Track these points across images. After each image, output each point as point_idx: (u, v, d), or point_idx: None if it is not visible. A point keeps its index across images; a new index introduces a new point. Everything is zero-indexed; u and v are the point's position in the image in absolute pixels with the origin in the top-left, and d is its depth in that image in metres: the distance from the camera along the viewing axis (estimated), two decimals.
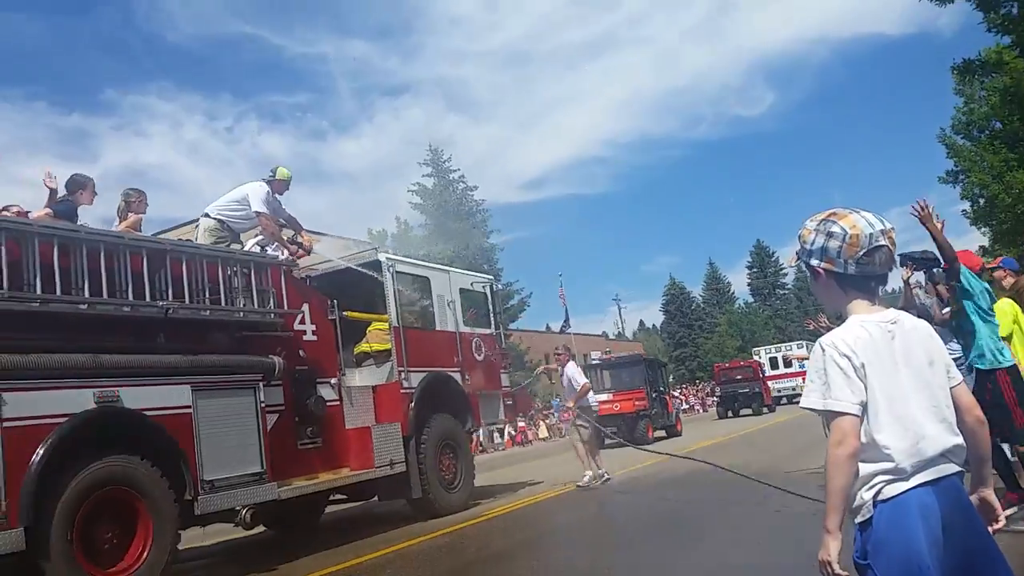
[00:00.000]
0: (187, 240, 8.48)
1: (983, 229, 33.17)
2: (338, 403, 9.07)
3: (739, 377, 34.23)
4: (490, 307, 12.30)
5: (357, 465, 9.00)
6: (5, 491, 5.53)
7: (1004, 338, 6.14)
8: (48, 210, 7.03)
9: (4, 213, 6.66)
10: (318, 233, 12.42)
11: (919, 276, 7.86)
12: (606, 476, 11.60)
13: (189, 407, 6.93)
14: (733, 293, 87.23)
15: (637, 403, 22.85)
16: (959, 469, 2.15)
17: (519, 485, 12.97)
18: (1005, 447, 6.26)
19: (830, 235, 2.22)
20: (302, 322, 8.81)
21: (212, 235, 8.90)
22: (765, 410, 32.58)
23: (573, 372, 11.95)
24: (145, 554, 6.39)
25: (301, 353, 8.63)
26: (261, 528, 10.18)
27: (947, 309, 7.41)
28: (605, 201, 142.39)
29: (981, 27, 21.84)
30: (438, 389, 10.37)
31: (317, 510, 10.73)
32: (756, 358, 41.58)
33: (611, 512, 9.84)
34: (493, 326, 12.23)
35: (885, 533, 2.07)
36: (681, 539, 7.23)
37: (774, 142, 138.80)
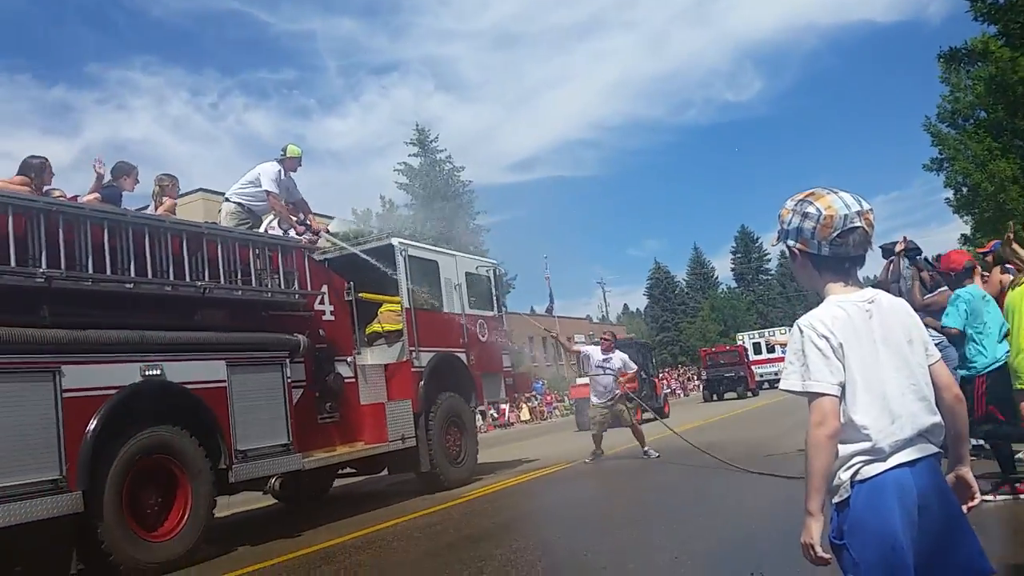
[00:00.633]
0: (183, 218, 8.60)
1: (965, 217, 33.85)
2: (353, 380, 9.53)
3: (724, 361, 35.17)
4: (493, 291, 12.76)
5: (371, 439, 9.48)
6: (65, 457, 5.97)
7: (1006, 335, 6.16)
8: (96, 195, 7.43)
9: (53, 195, 7.04)
10: (327, 216, 12.85)
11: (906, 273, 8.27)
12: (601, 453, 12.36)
13: (224, 381, 7.39)
14: (717, 278, 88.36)
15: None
16: (937, 450, 2.18)
17: (516, 463, 13.51)
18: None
19: (805, 215, 2.22)
20: (322, 302, 9.25)
21: (234, 218, 9.31)
22: (749, 394, 33.43)
23: (623, 356, 12.90)
24: (185, 518, 6.88)
25: (321, 332, 9.07)
26: (272, 500, 10.70)
27: (930, 295, 7.87)
28: (593, 184, 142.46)
29: (968, 16, 22.29)
30: (445, 368, 10.87)
31: (328, 483, 11.21)
32: (739, 343, 42.44)
33: (601, 491, 10.14)
34: (496, 309, 12.70)
35: (862, 513, 2.09)
36: (668, 520, 7.25)
37: (763, 128, 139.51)
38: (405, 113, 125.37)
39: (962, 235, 35.29)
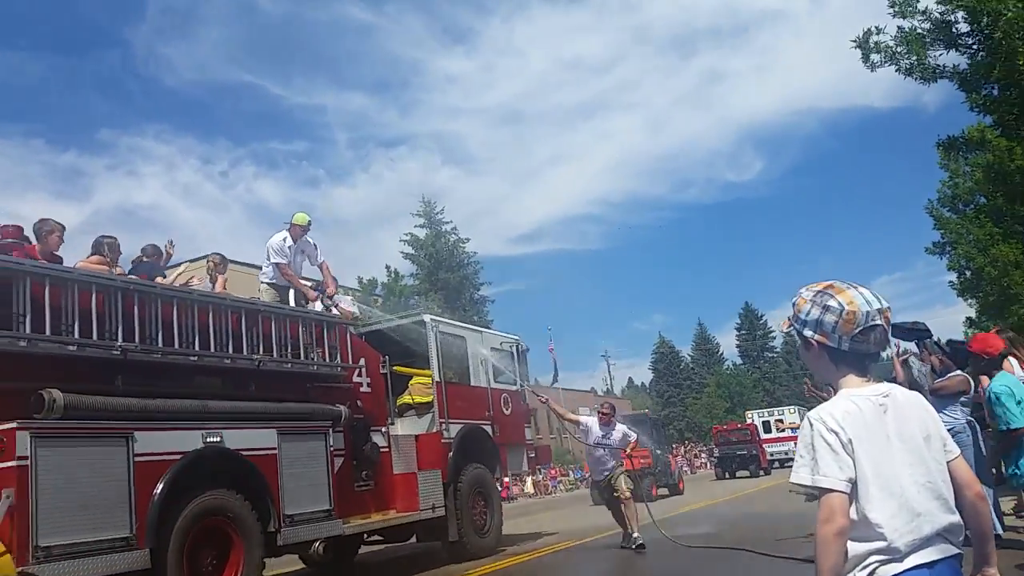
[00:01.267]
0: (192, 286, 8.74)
1: (970, 300, 34.06)
2: (387, 450, 9.98)
3: (736, 439, 35.41)
4: (515, 365, 13.26)
5: (403, 507, 9.88)
6: (135, 516, 6.41)
7: None
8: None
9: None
10: (349, 288, 13.39)
11: (909, 345, 8.07)
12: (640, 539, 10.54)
13: (275, 448, 7.86)
14: (722, 354, 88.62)
15: (642, 461, 23.63)
16: (958, 551, 2.10)
17: (536, 535, 13.77)
18: None
19: (826, 308, 2.18)
20: (359, 375, 9.78)
21: (268, 296, 9.96)
22: (761, 472, 33.52)
23: (623, 428, 11.36)
24: None
25: (359, 403, 9.57)
26: (300, 564, 11.01)
27: (940, 379, 8.05)
28: (597, 258, 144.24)
29: (964, 105, 23.15)
30: (472, 440, 11.32)
31: (356, 549, 11.52)
32: (749, 420, 42.57)
33: (624, 569, 10.01)
34: (518, 383, 13.18)
35: None
36: None
37: (764, 207, 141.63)
38: (412, 185, 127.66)
39: (967, 318, 35.62)
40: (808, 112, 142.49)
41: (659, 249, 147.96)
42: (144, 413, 6.74)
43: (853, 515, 2.04)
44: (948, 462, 2.16)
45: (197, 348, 7.43)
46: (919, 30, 20.54)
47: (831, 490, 2.04)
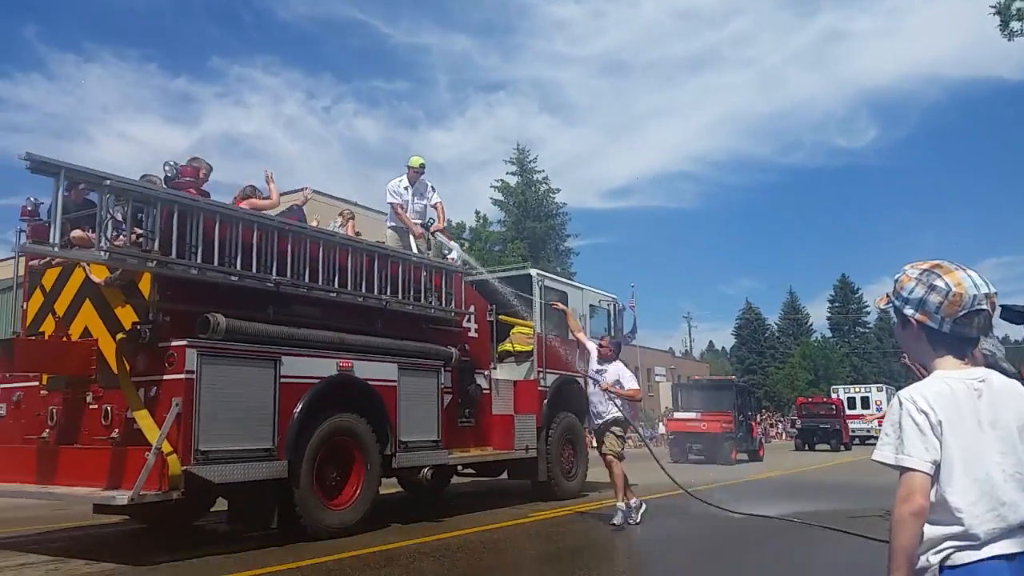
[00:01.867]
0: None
1: None
2: (488, 392, 10.77)
3: (820, 413, 35.45)
4: (611, 322, 13.83)
5: (499, 446, 10.70)
6: (277, 431, 7.34)
7: None
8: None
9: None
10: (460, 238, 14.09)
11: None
12: (643, 506, 9.62)
13: (395, 381, 8.70)
14: (811, 325, 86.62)
15: (724, 425, 24.11)
16: None
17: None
18: None
19: (932, 288, 2.12)
20: (469, 320, 10.55)
21: (392, 241, 10.75)
22: (842, 448, 33.53)
23: (621, 369, 9.59)
24: (358, 492, 8.21)
25: (466, 347, 10.35)
26: (397, 488, 12.01)
27: None
28: (689, 217, 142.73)
29: None
30: (566, 390, 12.02)
31: (448, 479, 12.46)
32: (835, 395, 42.26)
33: (683, 530, 9.75)
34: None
35: None
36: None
37: (873, 177, 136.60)
38: (508, 131, 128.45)
39: None
40: (932, 79, 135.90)
41: (756, 212, 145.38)
42: (291, 340, 7.62)
43: (932, 497, 2.00)
44: None
45: (336, 285, 8.28)
46: None
47: (914, 470, 2.00)
